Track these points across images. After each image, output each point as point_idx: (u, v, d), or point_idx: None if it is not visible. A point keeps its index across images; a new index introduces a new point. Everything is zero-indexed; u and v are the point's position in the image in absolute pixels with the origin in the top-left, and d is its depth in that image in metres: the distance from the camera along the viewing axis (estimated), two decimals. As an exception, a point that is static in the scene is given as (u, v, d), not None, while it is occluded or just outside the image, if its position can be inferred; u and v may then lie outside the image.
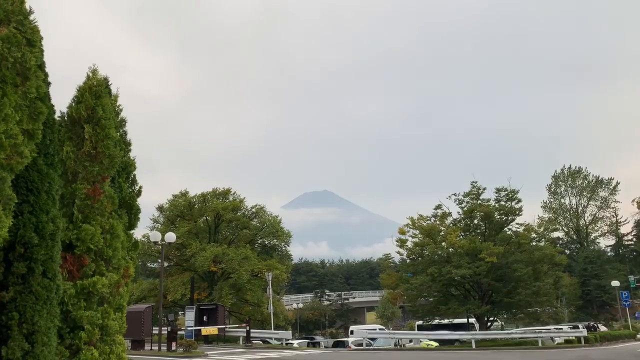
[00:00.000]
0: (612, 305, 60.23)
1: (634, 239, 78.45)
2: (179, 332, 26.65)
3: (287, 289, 73.75)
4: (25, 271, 6.23)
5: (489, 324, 37.64)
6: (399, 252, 39.34)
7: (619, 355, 24.19)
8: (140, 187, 11.03)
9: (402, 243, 38.15)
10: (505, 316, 41.90)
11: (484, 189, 37.89)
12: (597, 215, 79.47)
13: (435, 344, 33.35)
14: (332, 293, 78.45)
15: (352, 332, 40.83)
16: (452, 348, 31.46)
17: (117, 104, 9.98)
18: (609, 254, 79.19)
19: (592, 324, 42.75)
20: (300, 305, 68.87)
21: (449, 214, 38.30)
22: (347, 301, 76.21)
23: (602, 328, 41.86)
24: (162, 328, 25.86)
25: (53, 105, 7.53)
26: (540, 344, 30.64)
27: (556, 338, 33.59)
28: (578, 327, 35.09)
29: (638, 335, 39.22)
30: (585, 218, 79.92)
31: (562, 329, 37.02)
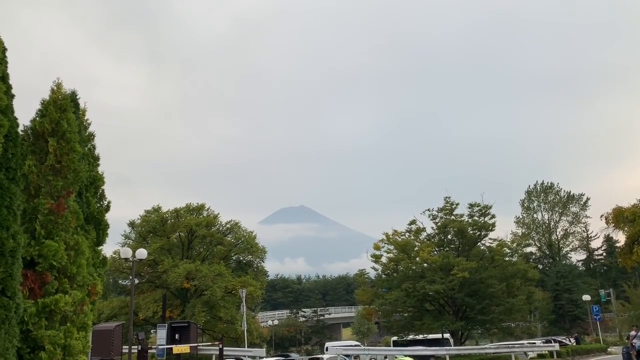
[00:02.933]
0: (583, 320, 61.09)
1: (604, 254, 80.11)
2: (149, 351, 26.09)
3: (262, 305, 73.01)
4: (-18, 289, 6.01)
5: (463, 339, 37.79)
6: (374, 268, 39.38)
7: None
8: (109, 202, 10.82)
9: (377, 258, 38.20)
10: (479, 331, 42.12)
11: (457, 204, 38.31)
12: (568, 230, 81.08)
13: (410, 359, 33.24)
14: (308, 309, 77.96)
15: (327, 349, 40.52)
16: (427, 364, 31.45)
17: (85, 117, 9.83)
18: (580, 268, 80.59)
19: (575, 335, 43.40)
20: (276, 322, 68.24)
21: (423, 229, 38.57)
22: (322, 317, 75.77)
23: (573, 342, 42.40)
24: (133, 347, 25.28)
25: (16, 118, 7.36)
26: (513, 359, 30.86)
27: (529, 353, 33.87)
28: (551, 342, 35.50)
29: (609, 349, 39.82)
30: (557, 233, 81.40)
31: (535, 343, 37.38)
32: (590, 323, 51.60)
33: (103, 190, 10.80)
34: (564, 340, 41.84)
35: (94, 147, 10.67)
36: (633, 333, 24.97)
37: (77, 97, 9.90)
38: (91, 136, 10.58)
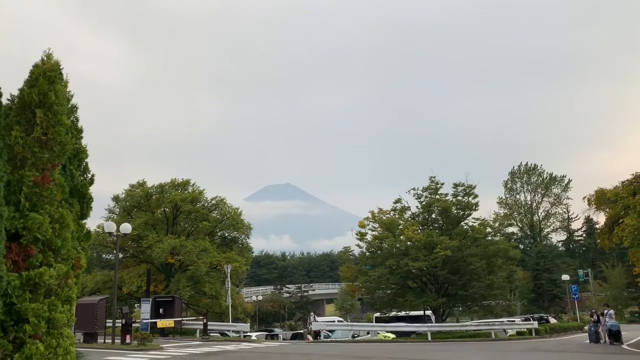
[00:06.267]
0: (561, 298, 62.51)
1: (584, 235, 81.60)
2: (134, 325, 26.16)
3: (247, 281, 73.43)
4: (-35, 261, 5.93)
5: (444, 316, 38.44)
6: (358, 245, 39.70)
7: (566, 345, 25.14)
8: (93, 176, 10.68)
9: (361, 236, 38.52)
10: (460, 309, 42.88)
11: (442, 184, 38.62)
12: (550, 211, 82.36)
13: (392, 335, 33.82)
14: (292, 285, 78.62)
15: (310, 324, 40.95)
16: (408, 340, 31.98)
17: (68, 89, 9.64)
18: (560, 248, 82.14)
19: (543, 316, 44.35)
20: (260, 298, 68.74)
21: (408, 208, 38.87)
22: (306, 293, 76.52)
23: (552, 320, 43.34)
24: (117, 320, 25.32)
25: (-1, 87, 7.18)
26: (493, 336, 31.49)
27: (509, 330, 34.57)
28: (529, 320, 36.28)
29: (585, 327, 40.81)
30: (539, 214, 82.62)
31: (514, 321, 38.17)
32: (568, 302, 52.79)
33: (87, 163, 10.61)
34: (545, 316, 42.85)
35: (77, 119, 10.47)
36: (607, 312, 25.52)
37: (61, 67, 9.67)
38: (74, 108, 10.37)
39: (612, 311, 25.62)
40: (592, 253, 75.87)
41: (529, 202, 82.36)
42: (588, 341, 26.03)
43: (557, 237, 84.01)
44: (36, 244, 7.47)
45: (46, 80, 7.75)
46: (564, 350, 22.52)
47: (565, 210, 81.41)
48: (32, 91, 7.65)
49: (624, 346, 23.04)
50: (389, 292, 38.22)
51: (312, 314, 38.83)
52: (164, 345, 23.54)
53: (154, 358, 18.15)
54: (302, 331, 40.05)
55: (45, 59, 8.08)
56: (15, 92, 8.20)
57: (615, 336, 23.89)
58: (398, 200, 38.73)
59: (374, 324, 39.90)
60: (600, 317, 25.89)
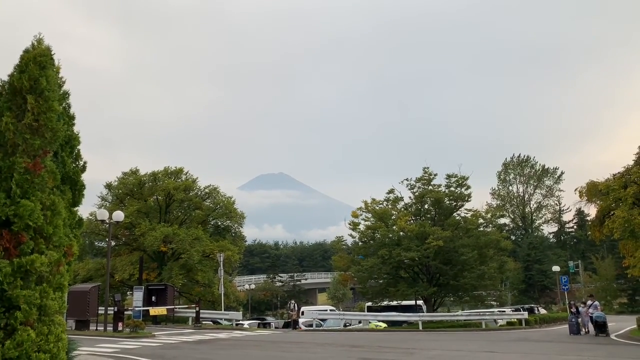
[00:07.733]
0: (552, 289, 63.09)
1: (575, 227, 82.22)
2: (126, 313, 26.19)
3: (239, 270, 73.58)
4: (-44, 248, 5.90)
5: (435, 306, 38.71)
6: (351, 235, 39.81)
7: (554, 336, 25.40)
8: (85, 163, 10.60)
9: (354, 226, 38.62)
10: (452, 299, 43.18)
11: (435, 174, 38.71)
12: (541, 203, 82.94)
13: (384, 325, 34.06)
14: (285, 274, 78.86)
15: (302, 313, 41.17)
16: (399, 329, 32.20)
17: (60, 75, 9.55)
18: (551, 240, 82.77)
19: (533, 307, 44.79)
20: (253, 286, 68.94)
21: (401, 198, 38.97)
22: (299, 282, 76.80)
23: (542, 311, 43.79)
24: (109, 308, 25.33)
25: (-11, 73, 7.11)
26: (484, 326, 31.78)
27: (499, 320, 34.89)
28: (520, 310, 36.66)
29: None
30: (531, 205, 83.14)
31: (505, 311, 38.50)
32: (558, 293, 53.27)
33: (79, 150, 10.53)
34: (535, 307, 43.29)
35: (69, 106, 10.37)
36: (589, 303, 25.71)
37: (53, 53, 9.57)
38: (66, 94, 10.27)
39: (597, 302, 25.77)
40: (582, 245, 76.49)
41: (522, 194, 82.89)
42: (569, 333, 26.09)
43: (549, 229, 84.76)
44: (27, 231, 7.43)
45: (37, 65, 7.66)
46: (552, 340, 22.76)
47: (557, 202, 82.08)
48: (23, 77, 7.57)
49: (612, 337, 23.31)
50: (381, 281, 38.42)
51: (292, 301, 38.98)
52: (156, 333, 23.58)
53: (146, 345, 18.19)
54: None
55: (35, 44, 7.98)
56: (5, 78, 8.14)
57: (601, 327, 24.00)
58: (391, 191, 38.84)
59: (365, 313, 40.14)
60: (581, 308, 26.10)
